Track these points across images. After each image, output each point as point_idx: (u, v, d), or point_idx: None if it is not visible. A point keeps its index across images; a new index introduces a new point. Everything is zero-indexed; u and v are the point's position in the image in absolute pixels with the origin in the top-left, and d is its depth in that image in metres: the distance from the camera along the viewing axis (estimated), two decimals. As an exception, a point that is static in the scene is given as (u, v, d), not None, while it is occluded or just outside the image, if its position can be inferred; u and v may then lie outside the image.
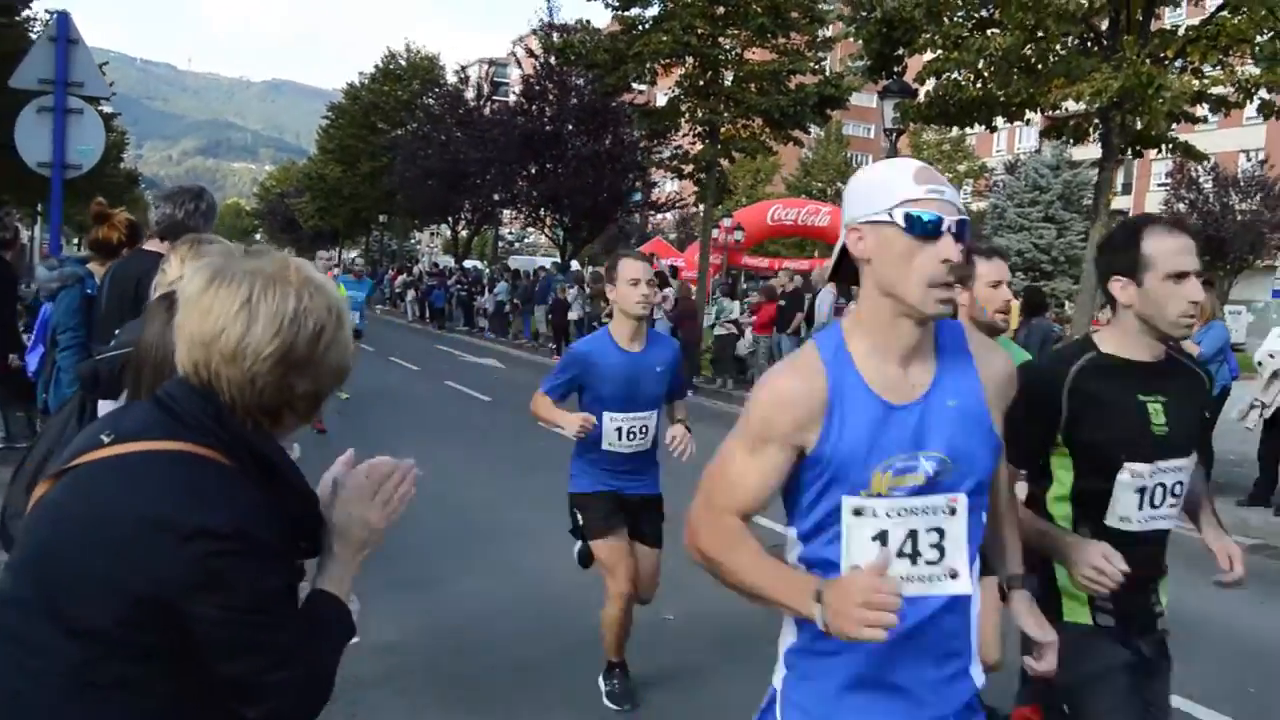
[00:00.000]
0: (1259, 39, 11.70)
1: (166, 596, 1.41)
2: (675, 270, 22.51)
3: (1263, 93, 12.36)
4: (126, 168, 62.53)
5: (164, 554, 1.40)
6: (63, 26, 8.98)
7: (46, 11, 22.84)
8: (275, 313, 1.51)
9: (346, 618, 1.68)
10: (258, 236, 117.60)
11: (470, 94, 39.47)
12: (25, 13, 24.00)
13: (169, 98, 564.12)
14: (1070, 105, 13.03)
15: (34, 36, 21.90)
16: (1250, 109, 13.14)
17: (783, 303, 16.02)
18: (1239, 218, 38.59)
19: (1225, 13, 11.87)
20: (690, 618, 5.95)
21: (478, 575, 6.61)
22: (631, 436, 4.76)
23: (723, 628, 5.71)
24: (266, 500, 1.51)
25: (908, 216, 1.82)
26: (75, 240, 50.58)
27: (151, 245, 4.20)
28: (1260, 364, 9.57)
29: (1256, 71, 11.98)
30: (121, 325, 3.26)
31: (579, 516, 4.85)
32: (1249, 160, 42.77)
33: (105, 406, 2.53)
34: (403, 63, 52.36)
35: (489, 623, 5.76)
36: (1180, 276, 2.47)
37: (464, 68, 43.59)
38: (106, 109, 36.61)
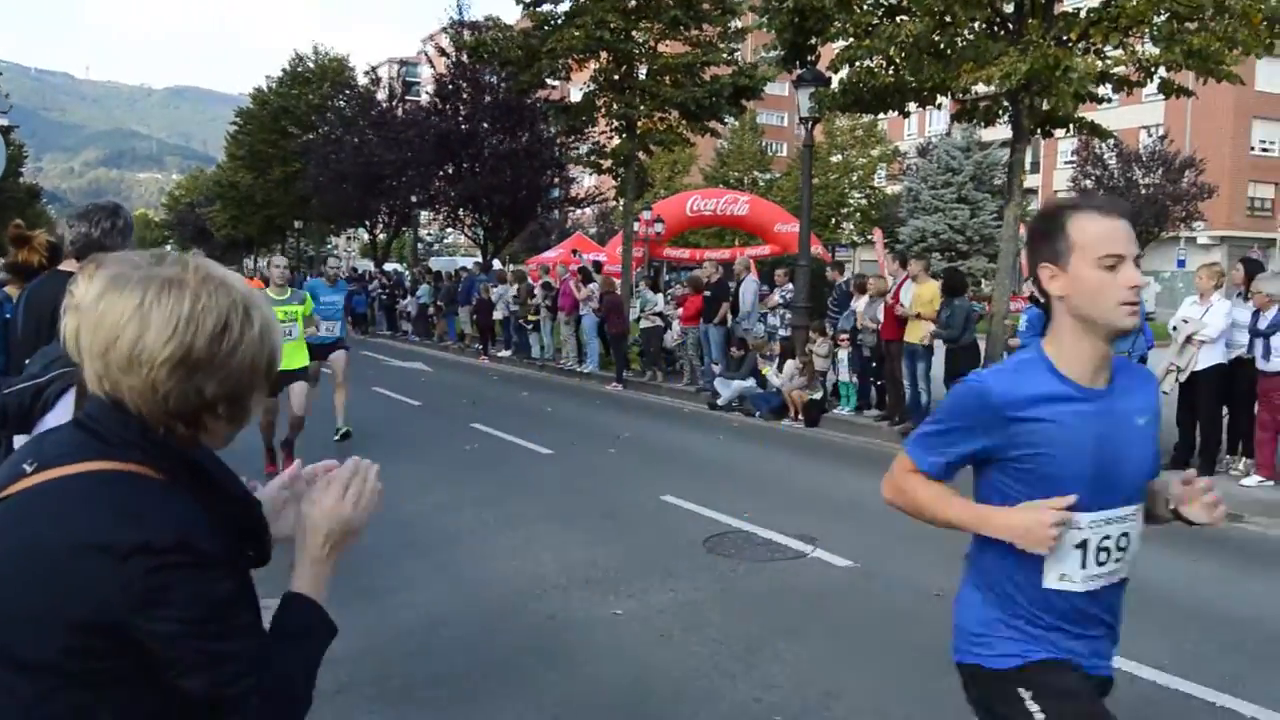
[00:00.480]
0: (1156, 20, 12.05)
1: (113, 619, 1.37)
2: (599, 265, 22.49)
3: (1161, 71, 12.73)
4: (26, 182, 60.73)
5: (104, 576, 1.36)
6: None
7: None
8: (170, 315, 1.45)
9: (323, 617, 1.64)
10: (168, 247, 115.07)
11: (382, 95, 38.94)
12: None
13: (67, 108, 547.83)
14: (980, 89, 13.30)
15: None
16: (1150, 87, 13.54)
17: (708, 293, 16.11)
18: (1143, 191, 39.73)
19: (1124, -6, 12.21)
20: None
21: (420, 584, 6.55)
22: (1105, 557, 2.37)
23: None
24: (204, 509, 1.47)
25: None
26: (-24, 258, 48.95)
27: (67, 266, 4.09)
28: (1174, 329, 9.88)
29: (1156, 51, 12.34)
30: (38, 346, 3.18)
31: (1033, 708, 2.31)
32: (1150, 136, 44.04)
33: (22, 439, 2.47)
34: (311, 65, 51.46)
35: (433, 631, 5.72)
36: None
37: (374, 68, 42.87)
38: (3, 121, 35.48)
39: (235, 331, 1.49)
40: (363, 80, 42.77)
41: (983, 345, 12.52)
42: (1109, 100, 14.79)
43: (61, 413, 2.37)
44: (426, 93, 34.55)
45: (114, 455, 1.45)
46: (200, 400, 1.49)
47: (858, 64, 13.60)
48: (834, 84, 14.60)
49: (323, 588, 1.66)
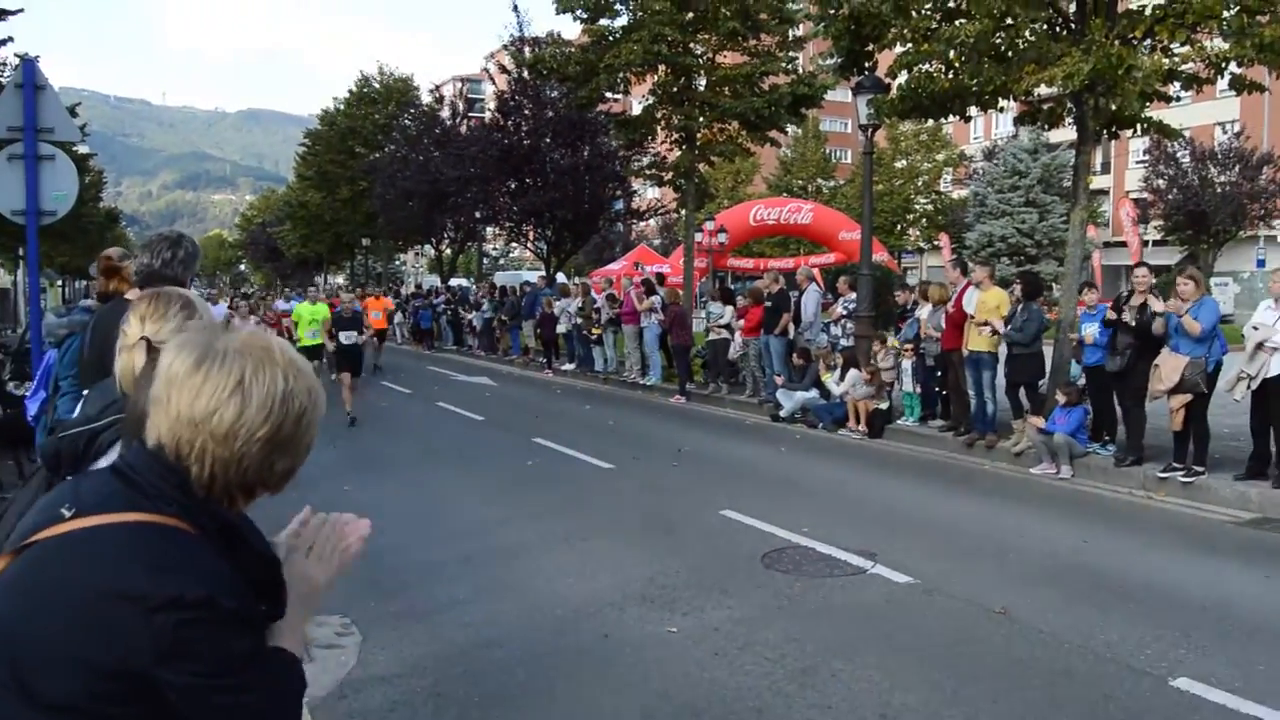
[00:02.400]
0: (1225, 14, 11.71)
1: (138, 668, 1.41)
2: (661, 277, 22.50)
3: (1233, 66, 12.37)
4: (105, 206, 62.36)
5: (133, 626, 1.40)
6: (29, 73, 8.93)
7: (16, 56, 22.67)
8: (267, 394, 1.52)
9: (298, 669, 1.67)
10: (242, 266, 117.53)
11: (446, 113, 39.40)
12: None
13: (145, 133, 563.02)
14: (1043, 90, 13.03)
15: (4, 81, 21.86)
16: (1222, 83, 13.17)
17: (769, 304, 15.99)
18: (1219, 190, 38.73)
19: (1191, -10, 11.89)
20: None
21: (474, 602, 6.56)
22: None
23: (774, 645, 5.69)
24: (231, 566, 1.51)
25: None
26: (59, 282, 50.47)
27: (132, 295, 4.18)
28: (1245, 335, 9.59)
29: (1225, 46, 11.99)
30: (101, 374, 3.22)
31: None
32: (1225, 133, 42.90)
33: None
34: (377, 85, 52.33)
35: (494, 647, 5.73)
36: None
37: (438, 87, 43.41)
38: (82, 149, 36.53)
39: (309, 415, 1.59)
40: (427, 99, 43.32)
41: (1048, 352, 12.24)
42: (1178, 98, 14.42)
43: (114, 457, 2.39)
44: (489, 109, 34.82)
45: (152, 507, 1.49)
46: (269, 474, 1.57)
47: (916, 69, 13.42)
48: (893, 90, 14.42)
49: (298, 640, 1.69)
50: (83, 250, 41.48)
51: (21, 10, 22.00)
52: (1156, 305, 9.97)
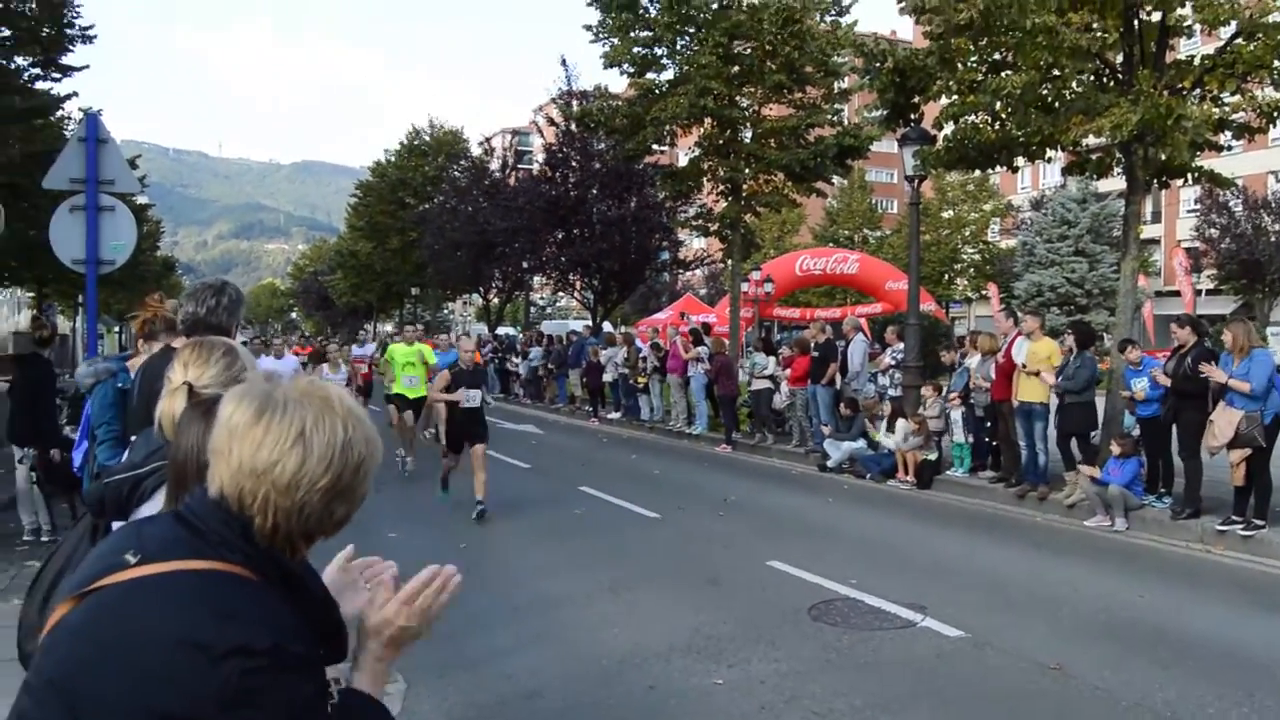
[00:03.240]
0: (1276, 64, 11.64)
1: (201, 716, 1.40)
2: (708, 327, 22.53)
3: (1285, 116, 12.27)
4: (162, 255, 63.78)
5: (199, 674, 1.39)
6: (92, 128, 9.21)
7: (80, 110, 23.37)
8: (328, 444, 1.54)
9: (384, 715, 1.68)
10: (293, 315, 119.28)
11: (495, 165, 39.95)
12: (60, 112, 24.57)
13: (202, 184, 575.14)
14: (1091, 140, 12.98)
15: (68, 134, 22.52)
16: (1275, 131, 13.04)
17: (815, 354, 15.95)
18: (1273, 239, 38.18)
19: (1241, 40, 11.83)
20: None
21: (519, 652, 6.54)
22: None
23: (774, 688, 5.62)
24: (293, 613, 1.52)
25: None
26: (116, 329, 51.50)
27: (179, 343, 4.27)
28: None
29: (1278, 95, 11.90)
30: (148, 422, 3.28)
31: None
32: (1278, 181, 42.36)
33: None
34: (427, 138, 53.28)
35: (537, 697, 5.70)
36: None
37: (488, 139, 44.12)
38: (141, 199, 37.44)
39: (368, 464, 1.60)
40: (476, 150, 43.98)
41: (1100, 404, 12.08)
42: (1230, 147, 14.30)
43: (157, 503, 2.42)
44: (537, 161, 35.30)
45: (215, 555, 1.51)
46: (329, 521, 1.59)
47: (962, 120, 13.44)
48: (939, 141, 14.43)
49: (383, 685, 1.71)
50: (139, 298, 42.29)
51: (87, 66, 22.75)
52: (1213, 374, 9.71)
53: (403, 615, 1.71)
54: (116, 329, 52.17)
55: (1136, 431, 11.39)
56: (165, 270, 61.30)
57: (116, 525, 2.58)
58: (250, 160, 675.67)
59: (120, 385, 5.15)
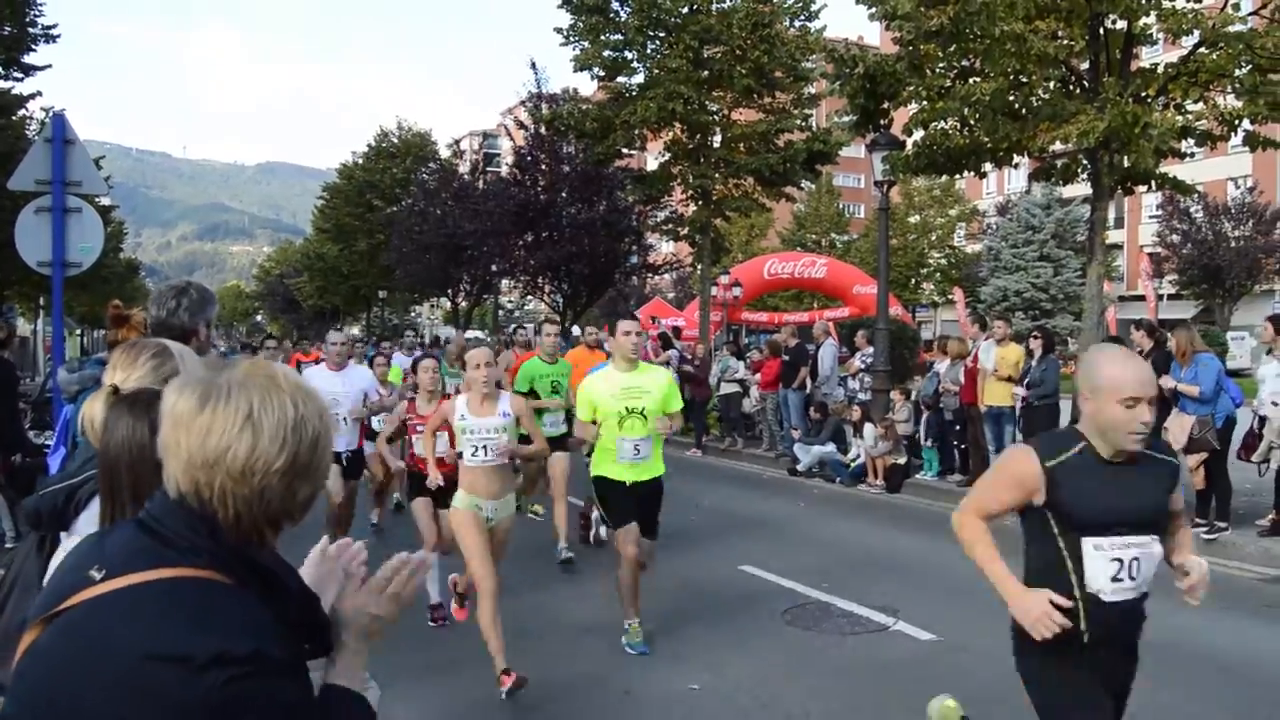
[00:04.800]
0: (1238, 73, 11.84)
1: None
2: (678, 330, 22.56)
3: (1246, 123, 12.48)
4: (126, 257, 63.07)
5: (181, 688, 1.35)
6: (58, 128, 9.09)
7: (43, 109, 23.11)
8: (278, 424, 1.48)
9: (365, 708, 1.66)
10: (259, 317, 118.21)
11: (464, 167, 39.79)
12: (21, 112, 24.26)
13: (166, 185, 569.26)
14: (1057, 146, 13.15)
15: (30, 134, 22.23)
16: (1235, 139, 13.26)
17: (786, 358, 16.02)
18: (1233, 244, 38.78)
19: (1204, 49, 12.03)
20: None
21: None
22: None
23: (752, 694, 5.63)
24: (272, 613, 1.48)
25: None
26: (78, 331, 50.88)
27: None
28: (1260, 404, 9.64)
29: (1239, 104, 12.11)
30: None
31: None
32: (1237, 188, 43.02)
33: (71, 539, 2.37)
34: (395, 140, 52.97)
35: (515, 704, 5.68)
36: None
37: (457, 142, 44.03)
38: (105, 201, 37.01)
39: (324, 438, 1.56)
40: (445, 153, 43.80)
41: (1065, 406, 12.20)
42: (1192, 154, 14.52)
43: (94, 510, 2.33)
44: (506, 164, 35.20)
45: (183, 561, 1.45)
46: (293, 504, 1.54)
47: (932, 126, 13.56)
48: (908, 147, 14.55)
49: (361, 678, 1.68)
50: (102, 300, 41.82)
51: (50, 66, 22.49)
52: (1162, 381, 9.90)
53: (374, 604, 1.69)
54: (79, 332, 51.55)
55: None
56: (129, 272, 60.67)
57: (64, 537, 2.51)
58: (215, 161, 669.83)
59: None
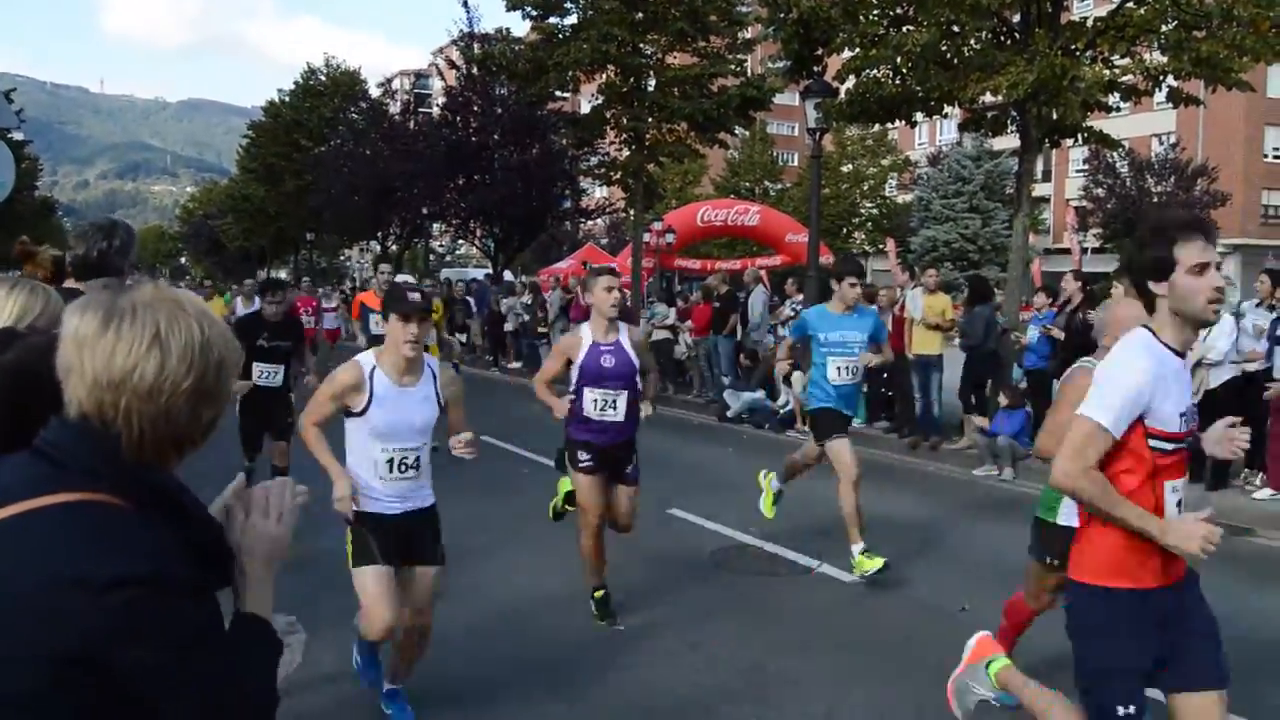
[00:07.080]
0: (1164, 29, 12.00)
1: (93, 652, 1.36)
2: (609, 276, 22.52)
3: (1170, 80, 12.68)
4: (41, 195, 61.03)
5: (83, 610, 1.35)
6: (-33, 58, 8.73)
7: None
8: (186, 345, 1.49)
9: (272, 634, 1.64)
10: (182, 260, 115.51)
11: (394, 107, 39.04)
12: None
13: (82, 121, 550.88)
14: (987, 98, 13.26)
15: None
16: (1159, 95, 13.48)
17: (717, 304, 16.08)
18: (1156, 200, 39.58)
19: (1131, 4, 12.17)
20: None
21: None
22: None
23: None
24: (173, 537, 1.47)
25: None
26: (-9, 272, 49.26)
27: (69, 284, 4.10)
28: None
29: (1164, 60, 12.29)
30: None
31: None
32: (1161, 144, 43.86)
33: None
34: (323, 78, 51.69)
35: (441, 645, 5.65)
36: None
37: (387, 81, 43.07)
38: (17, 136, 35.69)
39: (229, 362, 1.56)
40: (376, 92, 42.91)
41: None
42: (1118, 109, 14.74)
43: None
44: (437, 105, 34.62)
45: (80, 485, 1.44)
46: (197, 426, 1.54)
47: (864, 74, 13.58)
48: (841, 94, 14.57)
49: (268, 603, 1.66)
50: (15, 239, 40.66)
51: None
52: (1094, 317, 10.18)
53: (260, 523, 1.67)
54: (-9, 272, 49.94)
55: (1024, 384, 11.78)
56: (45, 211, 58.79)
57: None
58: (135, 97, 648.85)
59: None
